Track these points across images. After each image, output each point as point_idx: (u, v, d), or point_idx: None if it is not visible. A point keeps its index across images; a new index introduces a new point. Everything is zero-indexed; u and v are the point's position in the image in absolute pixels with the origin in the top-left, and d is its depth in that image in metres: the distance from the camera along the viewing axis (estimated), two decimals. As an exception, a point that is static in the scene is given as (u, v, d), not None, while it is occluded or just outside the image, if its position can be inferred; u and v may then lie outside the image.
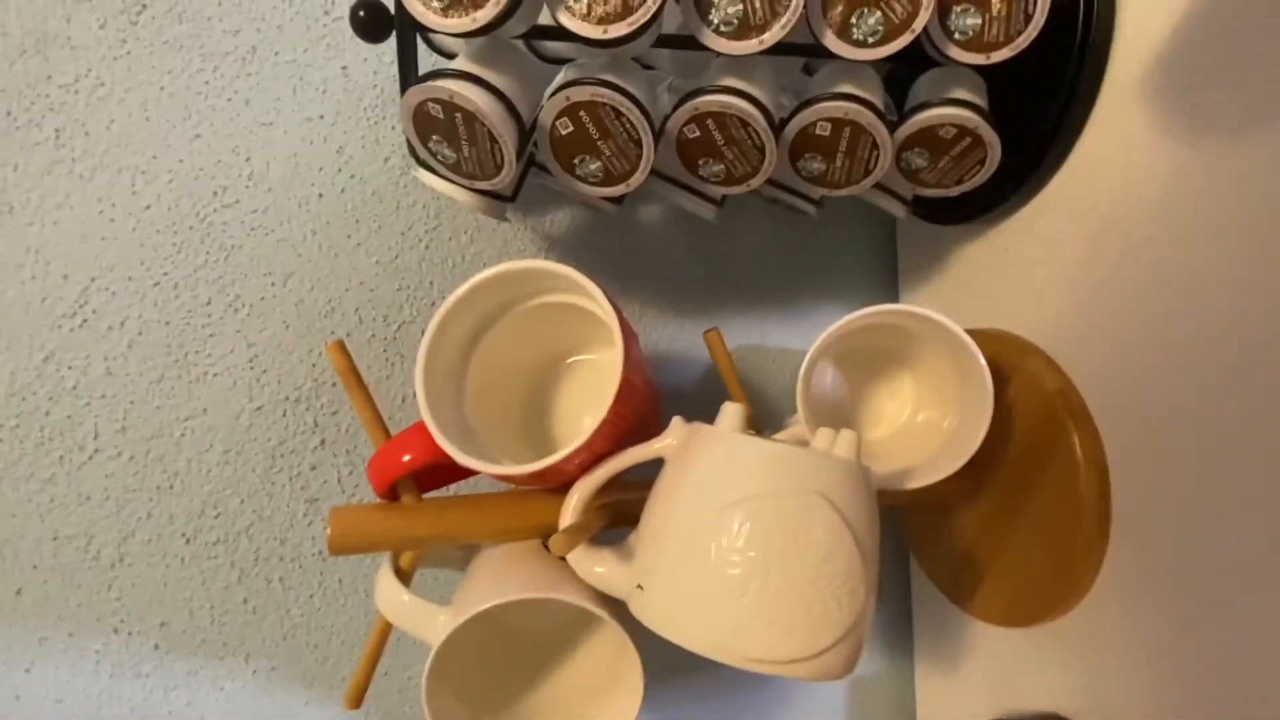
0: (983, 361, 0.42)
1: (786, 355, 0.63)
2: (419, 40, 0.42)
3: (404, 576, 0.41)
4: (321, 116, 0.55)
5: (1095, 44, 0.41)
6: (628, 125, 0.40)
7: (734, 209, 0.57)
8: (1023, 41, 0.40)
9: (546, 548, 0.43)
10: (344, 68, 0.55)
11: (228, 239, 0.53)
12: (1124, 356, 0.40)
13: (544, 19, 0.39)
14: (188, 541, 0.52)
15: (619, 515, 0.42)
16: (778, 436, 0.46)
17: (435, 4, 0.36)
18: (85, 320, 0.51)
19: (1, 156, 0.50)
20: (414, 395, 0.48)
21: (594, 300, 0.40)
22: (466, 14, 0.36)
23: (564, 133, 0.40)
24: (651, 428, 0.42)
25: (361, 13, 0.39)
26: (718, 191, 0.46)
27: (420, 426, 0.40)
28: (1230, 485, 0.35)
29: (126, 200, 0.52)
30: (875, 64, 0.41)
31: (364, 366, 0.50)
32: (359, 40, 0.40)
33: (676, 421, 0.40)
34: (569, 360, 0.49)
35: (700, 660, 0.35)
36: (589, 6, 0.36)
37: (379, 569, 0.42)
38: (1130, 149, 0.40)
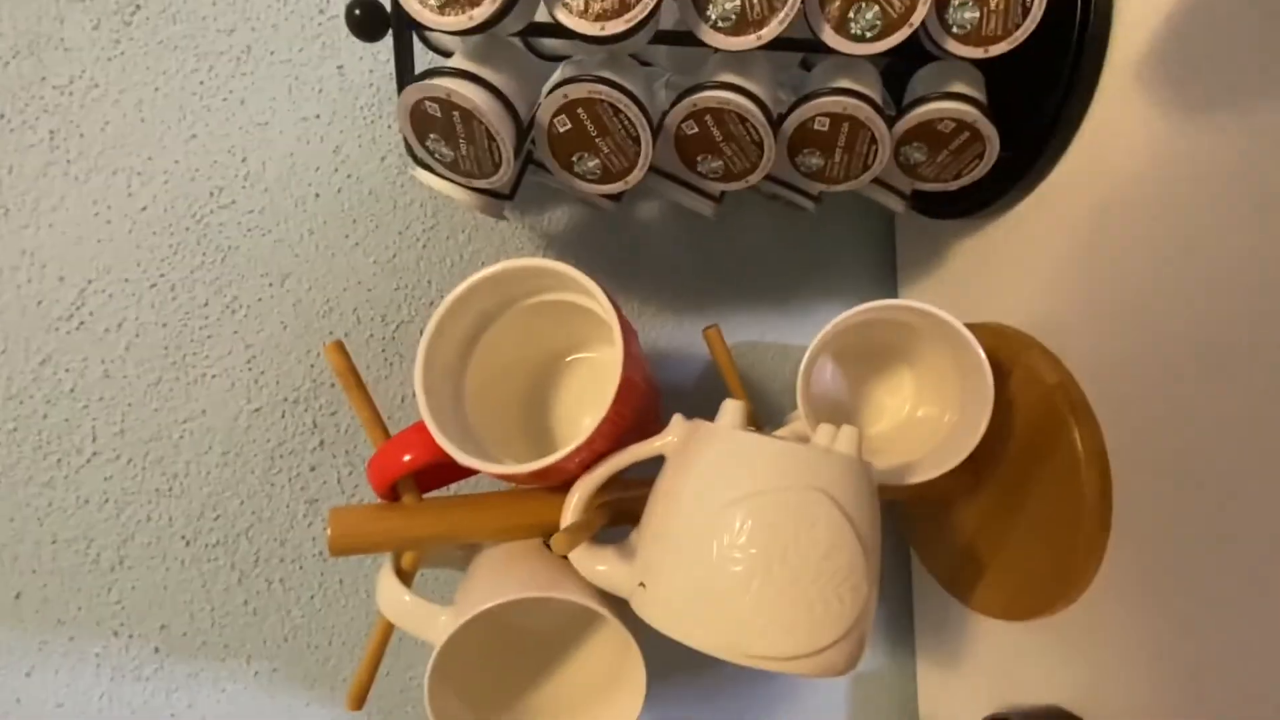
0: (983, 356, 0.42)
1: (786, 351, 0.63)
2: (415, 38, 0.42)
3: (405, 577, 0.41)
4: (318, 116, 0.55)
5: (1093, 37, 0.41)
6: (626, 122, 0.39)
7: (733, 205, 0.57)
8: (1021, 35, 0.40)
9: (548, 547, 0.43)
10: (340, 67, 0.55)
11: (224, 240, 0.53)
12: (1124, 349, 0.40)
13: (541, 16, 0.39)
14: (187, 544, 0.52)
15: (620, 513, 0.42)
16: (778, 433, 0.46)
17: (432, 2, 0.36)
18: (82, 323, 0.51)
19: (-4, 159, 0.50)
20: (413, 395, 0.48)
21: (593, 298, 0.40)
22: (463, 11, 0.36)
23: (562, 130, 0.40)
24: (652, 425, 0.41)
25: (357, 11, 0.38)
26: (716, 188, 0.46)
27: (420, 426, 0.39)
28: (1232, 478, 0.35)
29: (122, 202, 0.52)
30: (873, 58, 0.41)
31: (362, 366, 0.50)
32: (355, 39, 0.40)
33: (677, 419, 0.40)
34: (568, 359, 0.49)
35: (703, 658, 0.35)
36: (586, 3, 0.36)
37: (380, 569, 0.42)
38: (1129, 142, 0.40)
